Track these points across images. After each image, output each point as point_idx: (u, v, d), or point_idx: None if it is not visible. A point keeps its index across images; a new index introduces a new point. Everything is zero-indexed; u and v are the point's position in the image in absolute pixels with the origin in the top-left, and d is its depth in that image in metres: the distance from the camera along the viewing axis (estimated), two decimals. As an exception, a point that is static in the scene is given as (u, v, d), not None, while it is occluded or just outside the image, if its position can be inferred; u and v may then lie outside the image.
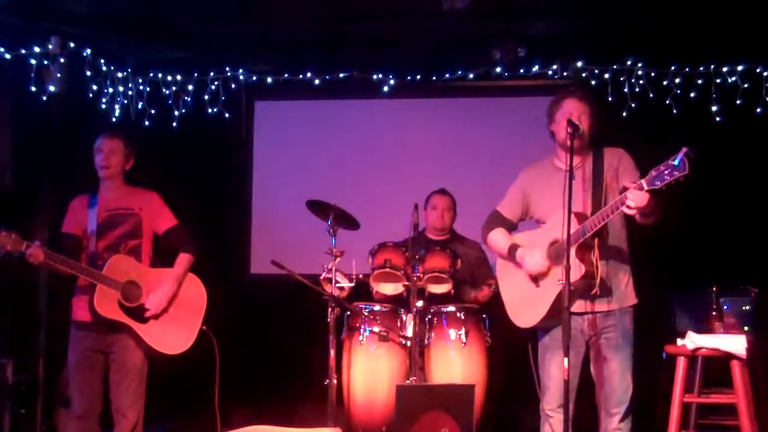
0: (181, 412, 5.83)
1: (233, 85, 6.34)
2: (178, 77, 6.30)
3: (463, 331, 4.82)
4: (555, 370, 4.08)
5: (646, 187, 3.67)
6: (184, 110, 6.30)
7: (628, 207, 3.74)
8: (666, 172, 3.60)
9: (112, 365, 4.43)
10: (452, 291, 4.86)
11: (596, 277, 3.96)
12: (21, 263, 4.26)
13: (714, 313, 4.30)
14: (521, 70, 6.14)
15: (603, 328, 4.05)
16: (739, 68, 5.73)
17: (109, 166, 4.53)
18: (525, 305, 4.21)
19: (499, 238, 4.35)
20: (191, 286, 4.63)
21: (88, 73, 5.96)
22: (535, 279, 4.17)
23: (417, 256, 4.81)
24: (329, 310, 4.68)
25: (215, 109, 6.29)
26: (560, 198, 3.86)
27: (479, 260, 5.26)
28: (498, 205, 4.41)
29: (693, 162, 3.56)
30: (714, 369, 4.38)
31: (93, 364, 4.42)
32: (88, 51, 5.91)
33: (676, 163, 3.57)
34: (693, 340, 4.01)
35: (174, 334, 4.50)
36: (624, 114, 5.86)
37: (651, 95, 5.84)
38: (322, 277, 4.86)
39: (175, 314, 4.51)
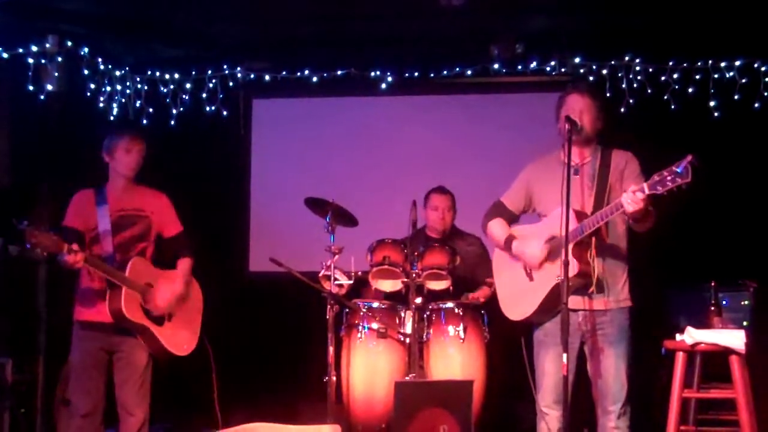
0: (181, 411, 5.84)
1: (231, 84, 6.34)
2: (176, 76, 6.29)
3: (461, 328, 4.82)
4: (549, 366, 4.08)
5: (647, 191, 3.66)
6: (182, 109, 6.30)
7: (627, 208, 3.72)
8: (669, 178, 3.59)
9: (117, 364, 4.45)
10: (451, 288, 4.85)
11: (592, 275, 3.96)
12: (20, 263, 4.26)
13: (712, 309, 4.31)
14: (519, 67, 6.14)
15: (598, 324, 4.04)
16: (737, 63, 5.73)
17: (139, 168, 4.56)
18: (517, 298, 4.21)
19: (497, 229, 4.34)
20: (192, 287, 4.68)
21: (86, 71, 5.96)
22: (530, 273, 4.17)
23: (416, 253, 4.81)
24: (328, 307, 4.69)
25: (213, 108, 6.29)
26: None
27: (480, 257, 5.22)
28: (502, 195, 4.40)
29: (696, 170, 3.55)
30: (713, 364, 4.37)
31: (98, 363, 4.44)
32: (86, 50, 5.90)
33: (679, 170, 3.56)
34: (692, 336, 4.02)
35: (183, 335, 4.57)
36: (622, 110, 5.85)
37: (649, 91, 5.83)
38: (320, 275, 4.86)
39: (182, 316, 4.57)
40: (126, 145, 4.53)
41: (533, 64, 6.13)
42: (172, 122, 6.32)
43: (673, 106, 5.78)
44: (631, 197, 3.70)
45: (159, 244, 4.65)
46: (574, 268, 3.87)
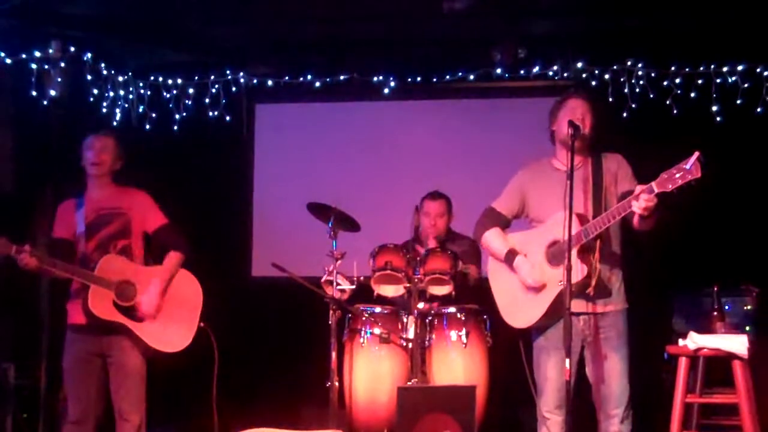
0: (181, 415, 5.83)
1: (234, 89, 6.33)
2: (179, 81, 6.29)
3: (464, 332, 4.81)
4: (551, 372, 4.07)
5: (656, 190, 3.68)
6: (184, 114, 6.30)
7: (639, 209, 3.73)
8: (678, 175, 3.63)
9: (110, 369, 4.41)
10: (453, 292, 4.85)
11: (593, 277, 3.96)
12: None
13: (715, 313, 4.30)
14: (521, 71, 6.13)
15: (600, 328, 4.04)
16: (740, 68, 5.72)
17: (100, 162, 4.50)
18: (520, 305, 4.19)
19: (495, 241, 4.31)
20: (186, 282, 4.61)
21: (89, 77, 5.97)
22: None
23: (418, 258, 4.81)
24: (330, 312, 4.69)
25: (216, 113, 6.29)
26: (559, 198, 3.88)
27: (470, 255, 5.15)
28: (493, 201, 4.38)
29: (704, 166, 3.58)
30: (715, 369, 4.37)
31: (89, 367, 4.40)
32: (89, 55, 5.92)
33: (688, 166, 3.60)
34: (694, 340, 4.01)
35: (172, 331, 4.48)
36: (624, 114, 5.85)
37: (651, 96, 5.83)
38: (323, 280, 4.86)
39: (171, 312, 4.49)
40: (88, 143, 4.52)
41: (536, 69, 6.12)
42: (175, 127, 6.32)
43: (675, 111, 5.78)
44: (644, 199, 3.69)
45: (150, 240, 4.61)
46: (582, 271, 3.88)
